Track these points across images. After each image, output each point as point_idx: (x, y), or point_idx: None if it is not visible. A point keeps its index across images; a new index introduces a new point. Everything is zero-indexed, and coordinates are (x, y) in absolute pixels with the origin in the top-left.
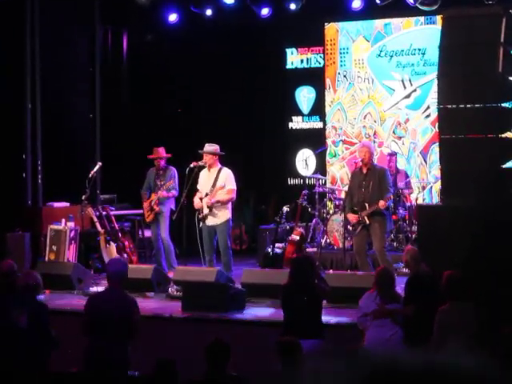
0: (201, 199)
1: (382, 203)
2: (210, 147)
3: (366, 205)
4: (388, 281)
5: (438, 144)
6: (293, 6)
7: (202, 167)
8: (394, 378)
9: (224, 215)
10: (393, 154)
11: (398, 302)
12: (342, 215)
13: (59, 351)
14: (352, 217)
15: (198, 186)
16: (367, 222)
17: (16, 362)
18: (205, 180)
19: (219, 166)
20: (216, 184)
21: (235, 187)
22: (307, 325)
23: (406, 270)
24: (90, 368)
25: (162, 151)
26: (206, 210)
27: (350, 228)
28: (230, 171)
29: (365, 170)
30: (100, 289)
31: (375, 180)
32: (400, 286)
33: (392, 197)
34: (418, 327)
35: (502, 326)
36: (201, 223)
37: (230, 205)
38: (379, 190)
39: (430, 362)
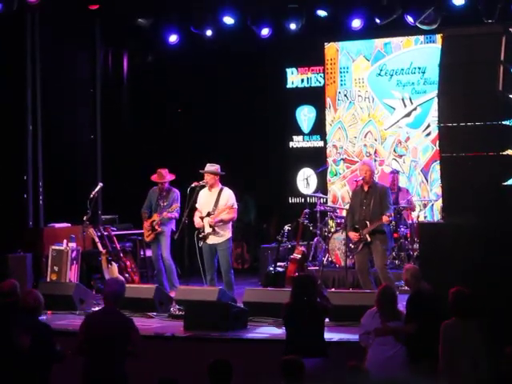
0: (201, 218)
1: (385, 218)
2: (211, 167)
3: (367, 222)
4: (390, 298)
5: (438, 162)
6: (293, 26)
7: (203, 187)
8: None
9: (225, 234)
10: (395, 172)
11: (400, 319)
12: (344, 233)
13: (61, 372)
14: (353, 235)
15: (197, 206)
16: (368, 239)
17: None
18: (205, 199)
19: (220, 186)
20: (218, 204)
21: (236, 206)
22: (310, 343)
23: (407, 288)
24: None
25: (165, 173)
26: (207, 229)
27: (352, 246)
28: (230, 191)
29: (366, 188)
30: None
31: (376, 198)
32: (402, 304)
33: (393, 214)
34: (420, 344)
35: (505, 346)
36: (201, 242)
37: (230, 224)
38: (380, 207)
39: None
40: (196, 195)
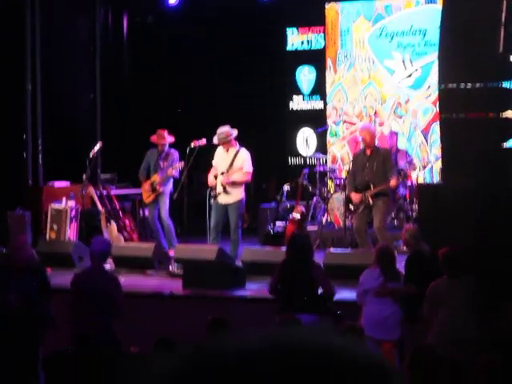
0: (215, 177)
1: (393, 182)
2: (221, 135)
3: (371, 185)
4: (389, 257)
5: (438, 123)
6: None
7: (202, 147)
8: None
9: (237, 194)
10: (394, 133)
11: (399, 279)
12: (343, 194)
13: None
14: (355, 196)
15: (213, 163)
16: (371, 202)
17: (8, 342)
18: (221, 159)
19: (237, 146)
20: (233, 165)
21: (251, 170)
22: (303, 300)
23: (405, 248)
24: (78, 344)
25: (165, 135)
26: (219, 189)
27: (352, 207)
28: (247, 153)
29: (368, 152)
30: None
31: (379, 161)
32: (400, 265)
33: (400, 179)
34: (417, 305)
35: (506, 304)
36: (212, 200)
37: (243, 186)
38: (383, 171)
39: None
40: (196, 155)
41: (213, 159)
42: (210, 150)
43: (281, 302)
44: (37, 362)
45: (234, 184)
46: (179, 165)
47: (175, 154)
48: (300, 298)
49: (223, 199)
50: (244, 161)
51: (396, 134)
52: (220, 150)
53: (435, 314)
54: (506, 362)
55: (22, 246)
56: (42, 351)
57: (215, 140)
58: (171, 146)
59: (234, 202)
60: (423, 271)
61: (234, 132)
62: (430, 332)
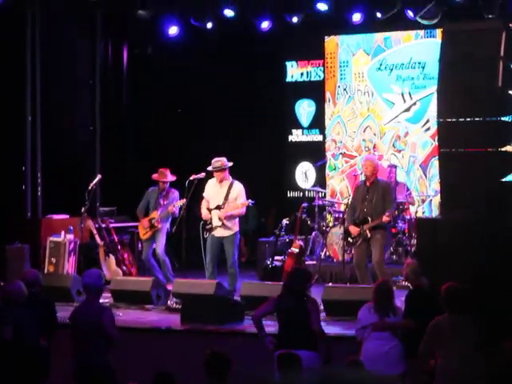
0: (209, 210)
1: (385, 218)
2: (217, 163)
3: (369, 218)
4: (387, 293)
5: (437, 157)
6: (294, 20)
7: (202, 180)
8: None
9: (233, 228)
10: (393, 166)
11: (397, 315)
12: (342, 228)
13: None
14: (353, 229)
15: (205, 195)
16: (368, 235)
17: (6, 374)
18: (214, 192)
19: (230, 179)
20: (228, 197)
21: (246, 202)
22: (301, 336)
23: (405, 284)
24: (78, 376)
25: (167, 173)
26: (216, 222)
27: (351, 240)
28: (241, 185)
29: (368, 184)
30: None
31: (379, 194)
32: (399, 299)
33: (397, 213)
34: (418, 341)
35: (505, 340)
36: (207, 233)
37: (237, 218)
38: (382, 203)
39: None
40: (196, 188)
41: (203, 191)
42: (205, 182)
43: (278, 338)
44: None
45: (231, 217)
46: (181, 202)
47: (175, 193)
48: (297, 334)
49: (219, 233)
50: (239, 192)
51: (395, 167)
52: (212, 183)
53: (432, 351)
54: None
55: (15, 279)
56: None
57: (210, 168)
58: (171, 185)
59: (230, 235)
60: (423, 306)
61: (229, 164)
62: (436, 372)
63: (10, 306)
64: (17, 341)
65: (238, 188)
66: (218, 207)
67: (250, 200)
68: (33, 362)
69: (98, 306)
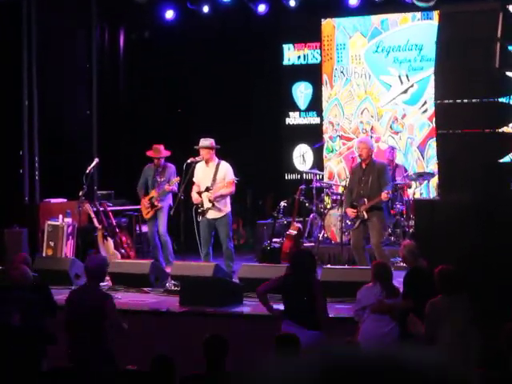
0: (199, 193)
1: (384, 195)
2: (205, 141)
3: (365, 200)
4: (385, 274)
5: (435, 139)
6: (292, 2)
7: (199, 162)
8: (348, 376)
9: (225, 209)
10: (393, 148)
11: (397, 296)
12: (340, 210)
13: (56, 347)
14: (350, 211)
15: (195, 180)
16: (366, 216)
17: (9, 360)
18: (203, 174)
19: (217, 160)
20: (216, 178)
21: (234, 179)
22: (306, 316)
23: (403, 265)
24: (75, 362)
25: (161, 149)
26: (207, 204)
27: (349, 222)
28: (228, 164)
29: (364, 166)
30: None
31: (374, 175)
32: (397, 281)
33: (391, 192)
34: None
35: (505, 322)
36: (200, 217)
37: (228, 198)
38: (378, 185)
39: (390, 358)
40: (192, 170)
41: (193, 176)
42: None
43: (283, 315)
44: (38, 375)
45: (221, 197)
46: (176, 180)
47: (172, 168)
48: (302, 314)
49: (211, 215)
50: (226, 171)
51: (395, 148)
52: (200, 166)
53: (436, 332)
54: (502, 379)
55: (17, 263)
56: (46, 365)
57: (198, 146)
58: (168, 159)
59: (222, 216)
60: (422, 287)
61: (217, 146)
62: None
63: (18, 290)
64: (24, 326)
65: (225, 167)
66: (207, 189)
67: (234, 177)
68: (42, 345)
69: (99, 292)
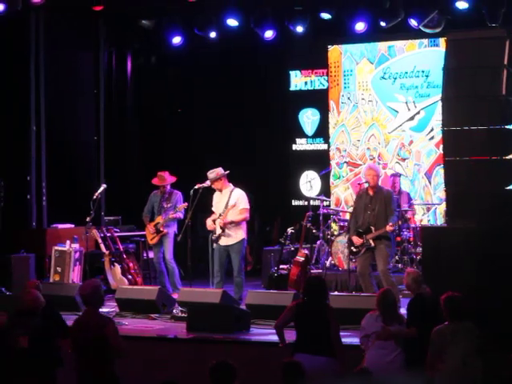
0: (214, 221)
1: (389, 228)
2: (211, 174)
3: (372, 228)
4: (390, 302)
5: (442, 166)
6: (299, 29)
7: (207, 189)
8: None
9: (238, 235)
10: (396, 175)
11: (401, 323)
12: (347, 237)
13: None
14: (356, 239)
15: (213, 208)
16: (372, 244)
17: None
18: (218, 202)
19: (231, 186)
20: (228, 205)
21: (248, 206)
22: (320, 343)
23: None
24: None
25: (166, 176)
26: (218, 231)
27: (354, 249)
28: (242, 191)
29: (371, 193)
30: (105, 310)
31: (382, 204)
32: (405, 308)
33: (400, 222)
34: (419, 350)
35: (505, 352)
36: (214, 244)
37: (244, 225)
38: (385, 212)
39: None
40: (200, 197)
41: (208, 201)
42: (214, 192)
43: (297, 344)
44: None
45: (232, 224)
46: (183, 206)
47: (178, 194)
48: (316, 341)
49: (224, 241)
50: (239, 198)
51: (399, 175)
52: (216, 194)
53: (440, 359)
54: None
55: (29, 288)
56: None
57: (208, 182)
58: (175, 185)
59: (235, 244)
60: (425, 314)
61: (224, 172)
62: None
63: (27, 316)
64: (33, 350)
65: (237, 194)
66: (220, 216)
67: (247, 205)
68: (51, 370)
69: (99, 318)
